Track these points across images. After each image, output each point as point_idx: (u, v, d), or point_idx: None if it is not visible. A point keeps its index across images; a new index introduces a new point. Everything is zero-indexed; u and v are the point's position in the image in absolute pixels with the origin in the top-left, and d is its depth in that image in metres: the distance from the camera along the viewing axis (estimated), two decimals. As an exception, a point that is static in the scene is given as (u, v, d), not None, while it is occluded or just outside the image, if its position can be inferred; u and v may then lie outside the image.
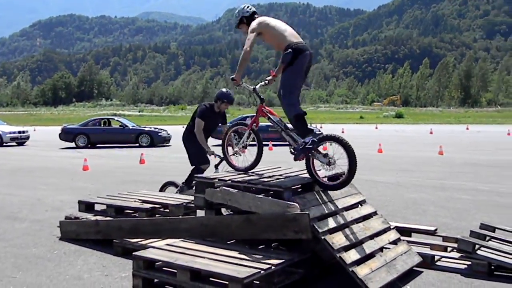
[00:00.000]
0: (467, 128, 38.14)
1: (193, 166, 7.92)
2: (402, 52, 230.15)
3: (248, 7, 5.69)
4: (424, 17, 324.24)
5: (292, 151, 5.33)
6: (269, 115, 5.55)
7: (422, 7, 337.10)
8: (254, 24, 5.47)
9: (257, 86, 5.61)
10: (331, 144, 5.09)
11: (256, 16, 5.63)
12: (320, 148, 5.25)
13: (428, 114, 76.03)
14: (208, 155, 7.71)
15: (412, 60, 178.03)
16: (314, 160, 5.25)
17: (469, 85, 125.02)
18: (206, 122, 7.67)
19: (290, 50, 5.22)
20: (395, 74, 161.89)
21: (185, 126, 8.23)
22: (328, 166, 5.15)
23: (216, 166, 7.54)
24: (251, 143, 5.77)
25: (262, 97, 5.57)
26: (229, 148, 6.02)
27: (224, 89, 7.89)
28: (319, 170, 5.28)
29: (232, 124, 6.14)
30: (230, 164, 5.91)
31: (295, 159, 5.29)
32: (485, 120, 56.68)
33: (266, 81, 5.65)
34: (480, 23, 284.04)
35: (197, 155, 7.84)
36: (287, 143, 5.56)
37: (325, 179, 5.31)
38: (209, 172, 7.12)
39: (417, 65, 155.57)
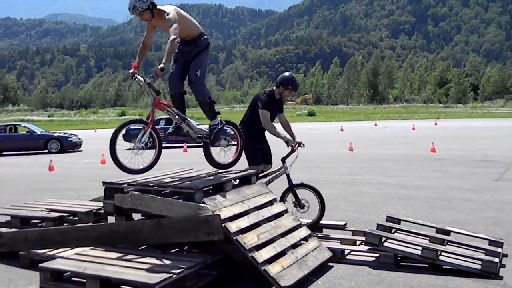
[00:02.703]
0: (376, 124, 39.55)
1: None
2: (313, 51, 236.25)
3: None
4: (333, 17, 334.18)
5: (205, 137, 5.66)
6: (168, 108, 5.44)
7: (331, 7, 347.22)
8: (173, 12, 5.28)
9: (148, 80, 5.19)
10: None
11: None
12: None
13: (339, 112, 78.32)
14: (286, 142, 6.74)
15: (323, 59, 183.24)
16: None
17: (376, 83, 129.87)
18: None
19: (206, 36, 5.67)
20: (307, 73, 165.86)
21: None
22: (226, 148, 6.00)
23: (284, 160, 6.61)
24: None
25: (157, 89, 5.24)
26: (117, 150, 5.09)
27: (287, 73, 6.88)
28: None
29: (128, 121, 5.35)
30: (121, 167, 5.14)
31: (214, 141, 5.67)
32: (392, 116, 59.07)
33: (153, 75, 5.07)
34: (386, 23, 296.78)
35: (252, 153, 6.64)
36: (201, 144, 5.74)
37: (221, 160, 5.96)
38: (275, 167, 6.67)
39: (327, 64, 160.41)
